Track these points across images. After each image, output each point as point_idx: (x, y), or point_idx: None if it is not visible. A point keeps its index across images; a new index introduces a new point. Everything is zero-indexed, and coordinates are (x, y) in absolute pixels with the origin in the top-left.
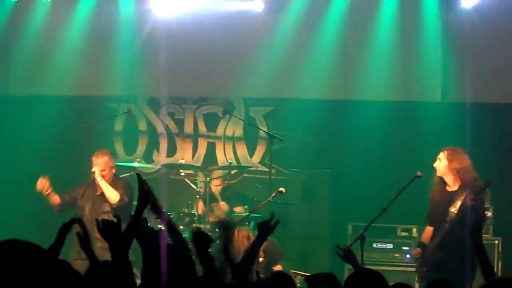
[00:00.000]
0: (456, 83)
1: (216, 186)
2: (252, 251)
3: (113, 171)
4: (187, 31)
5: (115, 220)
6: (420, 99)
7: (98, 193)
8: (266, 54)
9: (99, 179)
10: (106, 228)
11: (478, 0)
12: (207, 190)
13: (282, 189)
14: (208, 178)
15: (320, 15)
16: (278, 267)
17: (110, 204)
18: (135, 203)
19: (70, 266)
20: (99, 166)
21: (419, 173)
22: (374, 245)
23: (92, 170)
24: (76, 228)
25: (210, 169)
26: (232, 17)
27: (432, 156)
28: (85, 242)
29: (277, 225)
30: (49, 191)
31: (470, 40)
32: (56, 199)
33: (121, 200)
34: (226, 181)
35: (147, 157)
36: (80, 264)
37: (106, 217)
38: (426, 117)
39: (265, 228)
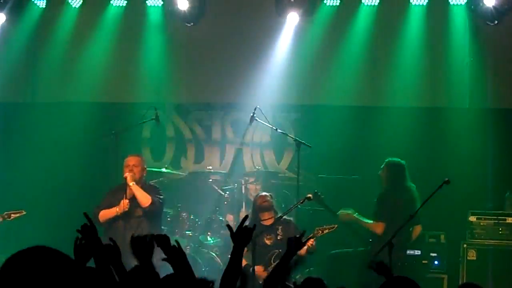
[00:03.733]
0: (484, 89)
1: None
2: (281, 267)
3: (144, 173)
4: (216, 38)
5: (146, 237)
6: (448, 105)
7: (129, 199)
8: (294, 61)
9: (131, 183)
10: (137, 246)
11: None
12: (235, 196)
13: (310, 195)
14: (236, 184)
15: (348, 22)
16: None
17: (142, 208)
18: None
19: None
20: (132, 162)
21: (447, 179)
22: None
23: (125, 175)
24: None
25: (244, 174)
26: (261, 25)
27: (460, 162)
28: (114, 256)
29: (305, 232)
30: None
31: (497, 46)
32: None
33: (152, 203)
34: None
35: (175, 164)
36: None
37: (137, 222)
38: (454, 123)
39: (295, 244)
